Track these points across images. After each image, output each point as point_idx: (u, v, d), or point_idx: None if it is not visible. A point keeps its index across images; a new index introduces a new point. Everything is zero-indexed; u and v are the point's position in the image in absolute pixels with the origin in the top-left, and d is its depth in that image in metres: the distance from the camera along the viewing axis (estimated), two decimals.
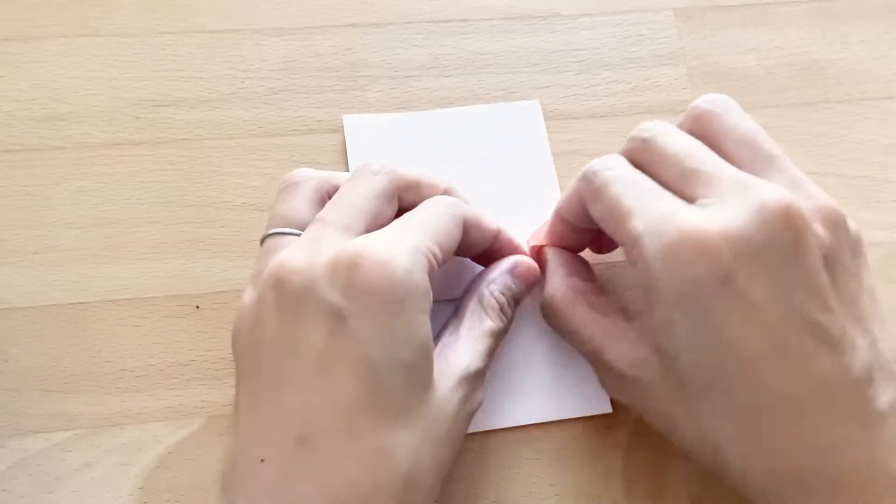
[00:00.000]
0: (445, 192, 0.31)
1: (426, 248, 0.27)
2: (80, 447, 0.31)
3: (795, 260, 0.25)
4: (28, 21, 0.38)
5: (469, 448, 0.31)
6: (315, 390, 0.25)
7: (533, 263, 0.32)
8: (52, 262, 0.34)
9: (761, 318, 0.25)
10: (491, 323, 0.30)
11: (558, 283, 0.31)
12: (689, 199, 0.27)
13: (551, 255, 0.32)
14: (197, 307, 0.33)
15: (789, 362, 0.25)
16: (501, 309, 0.31)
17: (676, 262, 0.25)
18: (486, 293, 0.31)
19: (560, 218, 0.32)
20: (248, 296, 0.28)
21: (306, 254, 0.26)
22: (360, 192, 0.29)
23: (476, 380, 0.29)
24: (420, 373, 0.26)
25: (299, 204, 0.30)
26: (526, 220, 0.35)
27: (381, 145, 0.37)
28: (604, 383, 0.31)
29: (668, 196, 0.27)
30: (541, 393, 0.32)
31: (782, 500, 0.26)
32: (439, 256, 0.27)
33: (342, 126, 0.37)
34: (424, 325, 0.26)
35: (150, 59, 0.38)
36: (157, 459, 0.31)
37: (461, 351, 0.29)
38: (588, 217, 0.30)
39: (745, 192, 0.26)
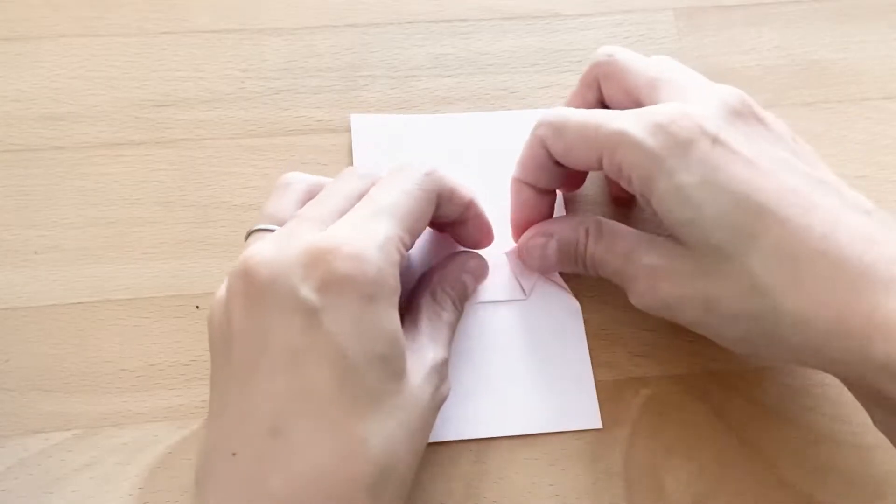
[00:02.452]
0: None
1: (397, 240, 0.27)
2: (80, 447, 0.31)
3: (764, 128, 0.29)
4: (28, 21, 0.38)
5: (469, 448, 0.31)
6: (286, 382, 0.25)
7: (482, 259, 0.33)
8: (52, 262, 0.34)
9: (759, 167, 0.27)
10: (448, 314, 0.31)
11: (581, 220, 0.32)
12: (651, 104, 0.30)
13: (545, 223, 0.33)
14: (197, 307, 0.33)
15: (798, 199, 0.27)
16: (454, 302, 0.31)
17: (668, 136, 0.27)
18: (439, 289, 0.31)
19: (522, 184, 0.32)
20: (221, 288, 0.28)
21: (276, 246, 0.26)
22: (343, 192, 0.29)
23: (443, 369, 0.29)
24: (393, 364, 0.26)
25: (287, 204, 0.30)
26: None
27: (386, 146, 0.37)
28: (633, 291, 0.30)
29: (628, 110, 0.29)
30: (533, 405, 0.32)
31: (837, 334, 0.26)
32: (409, 244, 0.28)
33: (342, 126, 0.37)
34: (394, 319, 0.26)
35: (150, 59, 0.38)
36: (157, 459, 0.31)
37: (426, 343, 0.29)
38: (549, 170, 0.31)
39: (706, 90, 0.30)
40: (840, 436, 0.32)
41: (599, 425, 0.32)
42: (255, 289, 0.26)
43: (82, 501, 0.30)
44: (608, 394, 0.32)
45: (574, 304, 0.34)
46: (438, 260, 0.33)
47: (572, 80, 0.39)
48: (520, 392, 0.32)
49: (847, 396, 0.32)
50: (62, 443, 0.31)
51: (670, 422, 0.32)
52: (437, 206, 0.29)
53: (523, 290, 0.34)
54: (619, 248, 0.31)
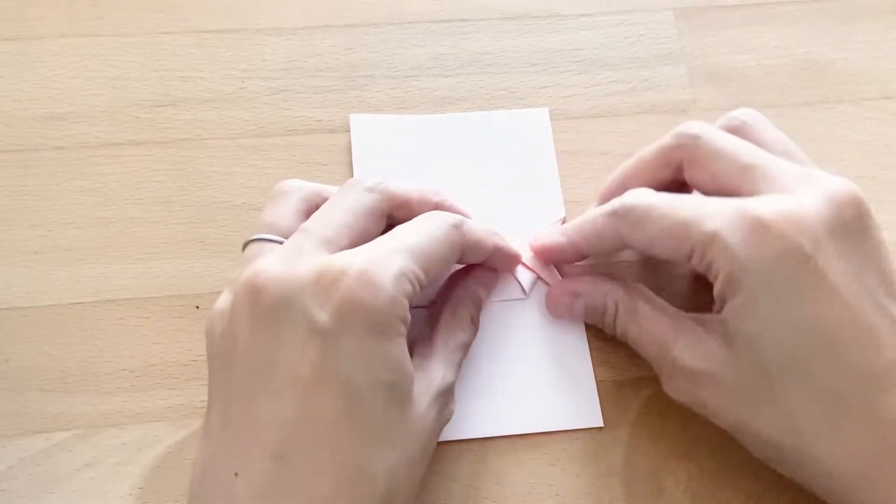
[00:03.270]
0: (437, 207, 0.31)
1: (412, 274, 0.27)
2: (80, 447, 0.31)
3: (865, 242, 0.27)
4: (28, 21, 0.38)
5: (469, 448, 0.31)
6: (292, 406, 0.25)
7: (493, 271, 0.33)
8: (52, 262, 0.34)
9: (839, 297, 0.26)
10: (464, 335, 0.31)
11: (611, 288, 0.31)
12: (749, 193, 0.28)
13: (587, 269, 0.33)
14: (197, 307, 0.33)
15: (866, 341, 0.26)
16: (472, 320, 0.31)
17: (760, 246, 0.26)
18: (460, 306, 0.31)
19: (576, 249, 0.32)
20: (222, 298, 0.27)
21: (285, 263, 0.26)
22: (347, 206, 0.29)
23: (449, 392, 0.29)
24: (399, 394, 0.26)
25: (286, 212, 0.29)
26: (527, 226, 0.35)
27: (386, 146, 0.37)
28: (669, 385, 0.30)
29: (722, 199, 0.28)
30: (534, 404, 0.32)
31: (865, 487, 0.26)
32: (424, 282, 0.27)
33: (342, 126, 0.37)
34: (403, 349, 0.26)
35: (150, 59, 0.38)
36: (157, 459, 0.31)
37: (437, 365, 0.29)
38: (614, 249, 0.31)
39: (811, 183, 0.28)
40: None
41: (601, 423, 0.32)
42: (263, 306, 0.25)
43: (82, 501, 0.30)
44: (608, 394, 0.32)
45: None
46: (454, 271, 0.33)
47: (572, 80, 0.39)
48: (520, 391, 0.32)
49: None
50: (62, 443, 0.31)
51: (670, 422, 0.32)
52: (462, 254, 0.30)
53: (523, 290, 0.34)
54: (654, 333, 0.30)
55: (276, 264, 0.26)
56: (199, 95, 0.37)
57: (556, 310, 0.33)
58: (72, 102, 0.37)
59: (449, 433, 0.31)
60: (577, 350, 0.33)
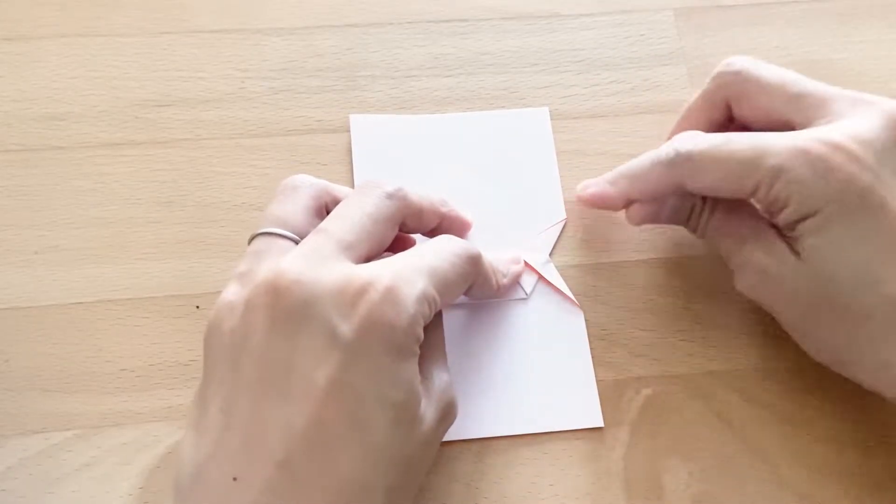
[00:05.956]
0: (444, 217, 0.31)
1: (431, 298, 0.27)
2: (80, 447, 0.31)
3: None
4: (28, 21, 0.38)
5: (469, 448, 0.31)
6: (303, 415, 0.24)
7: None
8: (52, 262, 0.34)
9: None
10: (441, 327, 0.31)
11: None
12: (800, 124, 0.29)
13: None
14: (197, 307, 0.33)
15: None
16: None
17: (824, 177, 0.27)
18: None
19: (627, 198, 0.32)
20: (233, 292, 0.27)
21: (307, 266, 0.26)
22: (368, 211, 0.28)
23: (450, 391, 0.29)
24: (407, 412, 0.26)
25: (296, 208, 0.29)
26: (526, 226, 0.35)
27: (386, 146, 0.37)
28: (740, 280, 0.31)
29: (777, 134, 0.29)
30: (534, 404, 0.32)
31: None
32: (438, 306, 0.27)
33: (342, 126, 0.37)
34: (415, 368, 0.26)
35: (150, 59, 0.38)
36: (157, 459, 0.31)
37: (435, 371, 0.29)
38: (670, 194, 0.31)
39: (863, 106, 0.29)
40: (840, 436, 0.32)
41: (601, 423, 0.32)
42: (283, 308, 0.25)
43: (82, 501, 0.30)
44: (608, 394, 0.32)
45: (574, 304, 0.34)
46: None
47: (572, 80, 0.39)
48: (520, 391, 0.32)
49: (847, 396, 0.32)
50: (62, 443, 0.31)
51: (670, 422, 0.32)
52: (469, 286, 0.30)
53: (524, 290, 0.34)
54: (732, 227, 0.31)
55: (298, 265, 0.26)
56: (199, 95, 0.37)
57: (640, 217, 0.33)
58: (72, 102, 0.37)
59: (449, 433, 0.31)
60: (577, 350, 0.33)
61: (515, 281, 0.34)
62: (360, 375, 0.25)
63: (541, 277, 0.34)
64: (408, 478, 0.26)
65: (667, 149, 0.30)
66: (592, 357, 0.33)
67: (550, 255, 0.35)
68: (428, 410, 0.27)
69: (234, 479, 0.24)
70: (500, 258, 0.33)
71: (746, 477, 0.31)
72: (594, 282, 0.34)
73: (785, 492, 0.31)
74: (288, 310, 0.25)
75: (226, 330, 0.26)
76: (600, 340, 0.33)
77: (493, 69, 0.39)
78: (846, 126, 0.28)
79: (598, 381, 0.33)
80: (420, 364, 0.27)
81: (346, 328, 0.25)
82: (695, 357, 0.33)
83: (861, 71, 0.40)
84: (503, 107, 0.38)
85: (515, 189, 0.36)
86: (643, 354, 0.33)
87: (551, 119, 0.38)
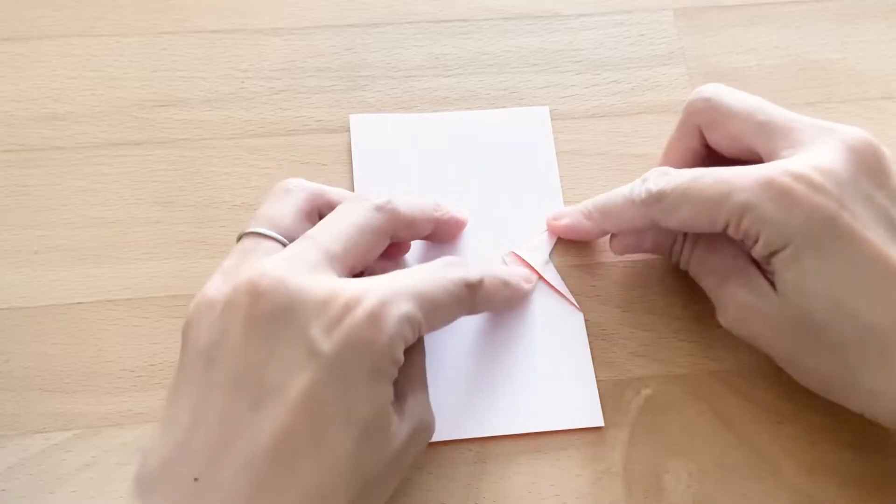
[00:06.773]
0: (437, 221, 0.32)
1: (416, 322, 0.26)
2: (80, 447, 0.31)
3: (886, 183, 0.28)
4: (28, 21, 0.38)
5: (469, 448, 0.31)
6: (271, 424, 0.24)
7: None
8: (52, 262, 0.34)
9: (868, 244, 0.27)
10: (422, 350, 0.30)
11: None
12: (765, 154, 0.29)
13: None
14: None
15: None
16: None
17: (790, 210, 0.27)
18: None
19: (602, 231, 0.33)
20: (215, 286, 0.26)
21: (289, 270, 0.26)
22: (357, 222, 0.28)
23: (426, 406, 0.29)
24: (375, 430, 0.25)
25: (287, 211, 0.29)
26: (526, 225, 0.35)
27: (386, 146, 0.37)
28: (724, 317, 0.31)
29: (744, 168, 0.29)
30: (534, 404, 0.32)
31: None
32: (424, 331, 0.27)
33: (342, 126, 0.37)
34: (389, 391, 0.26)
35: (150, 59, 0.38)
36: None
37: (422, 391, 0.29)
38: (644, 230, 0.32)
39: (828, 135, 0.29)
40: (840, 436, 0.32)
41: (601, 423, 0.32)
42: (262, 311, 0.25)
43: (82, 501, 0.30)
44: (608, 394, 0.32)
45: (574, 304, 0.34)
46: None
47: (572, 80, 0.39)
48: (520, 391, 0.32)
49: None
50: (62, 443, 0.31)
51: (670, 422, 0.32)
52: (465, 311, 0.30)
53: None
54: (714, 264, 0.31)
55: (279, 269, 0.26)
56: (199, 95, 0.37)
57: (622, 248, 0.33)
58: (72, 102, 0.37)
59: (449, 433, 0.31)
60: (577, 350, 0.33)
61: (523, 298, 0.34)
62: (333, 393, 0.24)
63: (541, 277, 0.34)
64: (373, 493, 0.26)
65: (638, 188, 0.31)
66: (592, 357, 0.33)
67: (550, 255, 0.35)
68: (400, 429, 0.26)
69: (196, 479, 0.24)
70: (512, 272, 0.33)
71: (746, 477, 0.31)
72: (594, 282, 0.35)
73: (784, 492, 0.31)
74: (267, 313, 0.25)
75: (203, 326, 0.26)
76: (600, 340, 0.33)
77: (493, 69, 0.39)
78: (809, 157, 0.28)
79: (598, 381, 0.33)
80: (397, 384, 0.27)
81: (325, 343, 0.24)
82: (695, 357, 0.33)
83: (861, 71, 0.40)
84: (503, 107, 0.38)
85: (515, 188, 0.36)
86: (643, 354, 0.33)
87: (551, 119, 0.38)
